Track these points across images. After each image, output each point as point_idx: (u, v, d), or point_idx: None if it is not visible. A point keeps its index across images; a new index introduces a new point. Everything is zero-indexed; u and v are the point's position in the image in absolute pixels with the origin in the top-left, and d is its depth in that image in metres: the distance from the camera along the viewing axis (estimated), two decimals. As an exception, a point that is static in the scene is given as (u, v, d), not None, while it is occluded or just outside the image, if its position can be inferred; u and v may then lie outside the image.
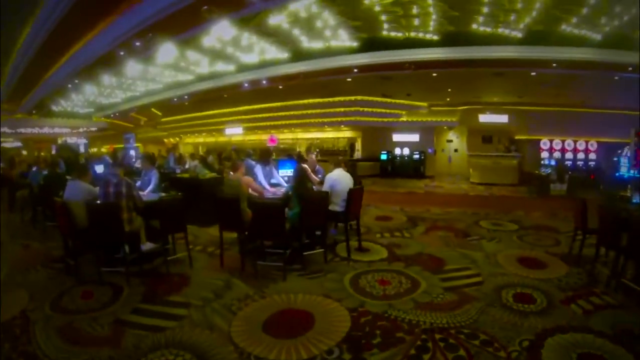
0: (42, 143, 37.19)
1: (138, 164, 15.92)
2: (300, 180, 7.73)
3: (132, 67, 16.17)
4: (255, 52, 15.26)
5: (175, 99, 23.96)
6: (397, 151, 25.84)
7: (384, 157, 25.92)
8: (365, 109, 24.64)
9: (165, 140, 40.26)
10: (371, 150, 26.85)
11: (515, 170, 20.41)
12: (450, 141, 27.23)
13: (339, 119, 25.65)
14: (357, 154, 27.54)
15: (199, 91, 22.01)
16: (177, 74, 19.10)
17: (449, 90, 21.37)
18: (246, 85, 19.86)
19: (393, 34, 13.76)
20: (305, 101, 25.52)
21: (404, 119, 26.05)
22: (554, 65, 14.00)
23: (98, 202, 6.93)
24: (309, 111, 26.28)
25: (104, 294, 6.11)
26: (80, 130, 36.80)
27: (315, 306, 5.60)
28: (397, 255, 7.90)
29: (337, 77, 17.94)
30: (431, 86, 19.88)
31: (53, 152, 29.69)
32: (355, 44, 14.69)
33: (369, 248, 8.27)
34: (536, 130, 22.88)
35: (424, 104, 25.61)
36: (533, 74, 15.95)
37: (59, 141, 36.53)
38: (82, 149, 31.80)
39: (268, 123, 29.09)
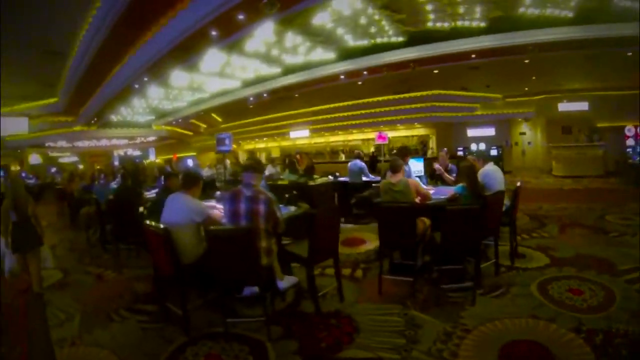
0: (98, 157, 36.31)
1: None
2: (475, 179, 6.34)
3: (211, 59, 15.02)
4: (332, 45, 14.66)
5: (251, 98, 22.72)
6: (473, 147, 24.20)
7: (460, 154, 24.46)
8: (442, 104, 23.58)
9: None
10: (445, 147, 25.42)
11: (600, 160, 18.86)
12: (523, 133, 25.71)
13: (415, 116, 24.61)
14: (431, 153, 25.68)
15: (267, 91, 21.04)
16: (245, 73, 18.25)
17: (533, 78, 20.22)
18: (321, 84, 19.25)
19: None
20: (379, 98, 24.23)
21: (479, 112, 24.77)
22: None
23: (215, 224, 4.94)
24: (382, 109, 25.05)
25: (239, 357, 4.14)
26: (137, 141, 35.91)
27: (536, 333, 4.28)
28: (557, 258, 6.76)
29: (424, 67, 16.77)
30: (516, 74, 18.90)
31: (116, 163, 28.72)
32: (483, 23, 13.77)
33: (524, 253, 7.05)
34: (619, 117, 20.98)
35: (499, 95, 24.24)
36: (629, 54, 14.59)
37: (115, 154, 35.81)
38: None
39: (336, 124, 28.33)
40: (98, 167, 24.36)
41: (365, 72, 17.44)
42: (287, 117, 29.66)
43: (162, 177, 11.10)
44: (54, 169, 31.07)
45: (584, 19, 12.79)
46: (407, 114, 24.59)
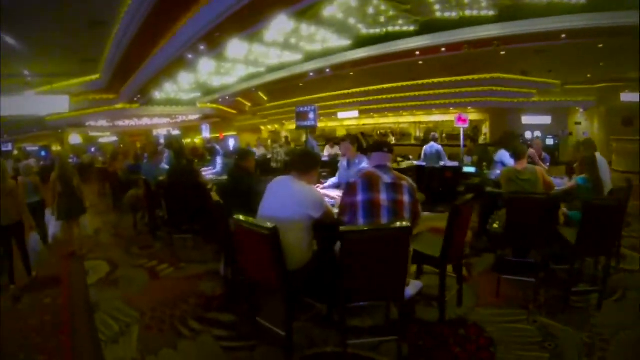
0: (138, 136, 35.50)
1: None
2: (597, 171, 5.50)
3: (278, 26, 13.68)
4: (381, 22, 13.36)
5: (311, 73, 21.12)
6: (528, 135, 22.80)
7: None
8: (499, 88, 22.03)
9: (262, 127, 38.47)
10: (498, 134, 23.98)
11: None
12: (579, 123, 24.06)
13: (469, 100, 23.16)
14: (483, 139, 24.53)
15: (316, 69, 19.93)
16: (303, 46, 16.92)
17: (601, 64, 18.65)
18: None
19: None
20: (434, 80, 22.87)
21: (535, 99, 23.11)
22: None
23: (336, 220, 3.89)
24: (436, 91, 23.72)
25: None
26: (178, 120, 34.94)
27: None
28: None
29: (484, 49, 15.29)
30: (581, 59, 17.49)
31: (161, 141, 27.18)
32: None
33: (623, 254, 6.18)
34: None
35: (557, 81, 22.66)
36: None
37: (154, 133, 34.87)
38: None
39: (386, 105, 26.99)
40: (139, 145, 23.68)
41: (443, 49, 16.00)
42: (335, 97, 28.60)
43: (218, 157, 10.22)
44: (93, 149, 30.79)
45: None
46: (462, 98, 23.28)
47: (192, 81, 23.20)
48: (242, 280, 4.22)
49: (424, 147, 10.93)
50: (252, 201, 4.32)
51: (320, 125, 32.83)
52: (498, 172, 7.09)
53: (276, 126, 37.72)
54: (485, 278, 5.20)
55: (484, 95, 22.41)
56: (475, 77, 21.67)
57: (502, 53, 16.33)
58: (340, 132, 29.36)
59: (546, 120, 23.42)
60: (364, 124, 31.01)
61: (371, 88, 25.73)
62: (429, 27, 15.00)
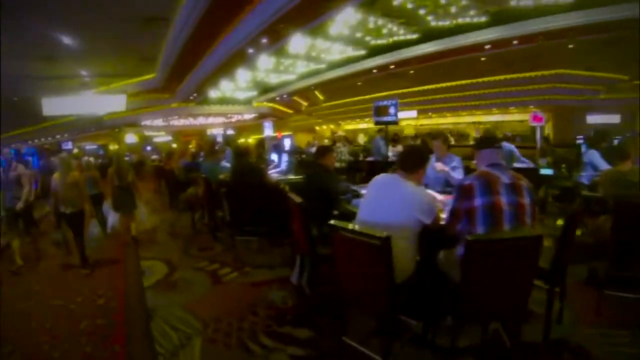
0: (192, 136, 35.30)
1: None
2: None
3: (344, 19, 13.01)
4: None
5: (375, 70, 19.98)
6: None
7: (580, 142, 21.87)
8: (564, 86, 21.05)
9: (317, 127, 38.11)
10: (561, 135, 22.67)
11: None
12: None
13: (531, 98, 22.28)
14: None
15: (379, 66, 18.89)
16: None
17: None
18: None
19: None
20: (496, 78, 21.96)
21: (602, 96, 21.82)
22: None
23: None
24: (497, 89, 22.75)
25: None
26: (233, 119, 34.94)
27: None
28: None
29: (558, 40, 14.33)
30: None
31: (219, 140, 26.67)
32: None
33: None
34: None
35: (625, 77, 20.95)
36: None
37: (208, 132, 34.81)
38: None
39: (444, 105, 26.38)
40: (194, 143, 23.55)
41: (515, 42, 14.91)
42: (392, 96, 27.41)
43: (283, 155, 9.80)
44: (149, 148, 31.07)
45: None
46: (523, 96, 22.32)
47: (250, 79, 22.85)
48: (326, 291, 3.83)
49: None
50: (332, 201, 3.86)
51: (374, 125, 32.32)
52: (589, 174, 6.61)
53: (331, 126, 37.34)
54: (578, 292, 4.52)
55: (547, 93, 21.57)
56: (539, 73, 20.77)
57: (571, 46, 15.50)
58: (407, 131, 28.62)
59: (614, 119, 21.65)
60: (420, 125, 30.35)
61: (430, 87, 25.05)
62: (501, 17, 13.84)
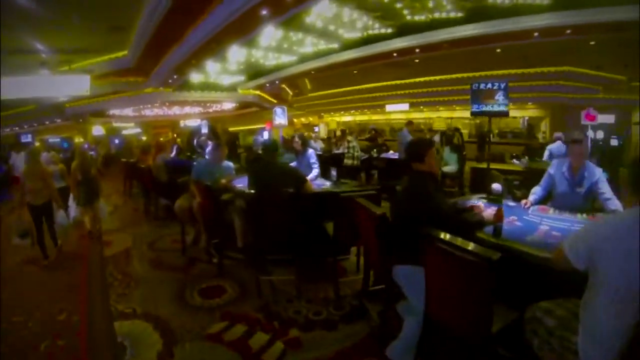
0: (163, 128, 33.56)
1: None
2: None
3: None
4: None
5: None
6: (589, 134, 21.00)
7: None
8: (568, 83, 21.15)
9: (295, 120, 36.34)
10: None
11: None
12: (637, 124, 22.53)
13: (530, 95, 22.53)
14: (542, 138, 23.75)
15: (364, 57, 17.64)
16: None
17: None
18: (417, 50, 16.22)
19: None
20: (494, 72, 21.02)
21: (599, 95, 22.15)
22: None
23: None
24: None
25: None
26: (210, 110, 31.65)
27: None
28: None
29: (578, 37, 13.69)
30: None
31: (205, 130, 22.43)
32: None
33: None
34: None
35: (623, 77, 21.20)
36: None
37: (181, 124, 32.67)
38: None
39: (437, 99, 25.71)
40: (162, 139, 21.34)
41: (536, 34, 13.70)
42: (383, 88, 26.75)
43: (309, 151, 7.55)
44: (117, 141, 29.27)
45: None
46: (521, 92, 22.01)
47: (244, 59, 20.05)
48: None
49: (549, 147, 10.59)
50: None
51: (363, 118, 31.14)
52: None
53: (309, 119, 35.83)
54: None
55: (550, 90, 21.82)
56: (545, 69, 20.71)
57: (592, 43, 15.44)
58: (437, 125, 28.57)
59: (609, 119, 21.56)
60: (412, 118, 29.45)
61: (425, 79, 24.31)
62: (477, 14, 13.18)
